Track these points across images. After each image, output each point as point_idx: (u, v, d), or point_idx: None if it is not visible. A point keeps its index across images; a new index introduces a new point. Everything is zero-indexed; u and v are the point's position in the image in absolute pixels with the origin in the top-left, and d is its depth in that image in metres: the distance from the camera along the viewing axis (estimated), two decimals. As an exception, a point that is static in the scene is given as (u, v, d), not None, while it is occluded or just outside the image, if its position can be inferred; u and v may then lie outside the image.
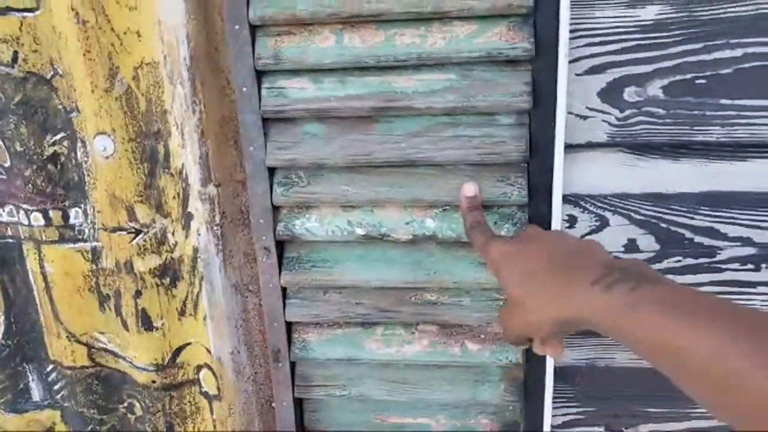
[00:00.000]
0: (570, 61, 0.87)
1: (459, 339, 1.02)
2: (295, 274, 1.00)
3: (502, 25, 0.84)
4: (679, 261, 0.96)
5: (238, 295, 1.11)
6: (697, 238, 0.94)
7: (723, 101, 0.87)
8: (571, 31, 0.86)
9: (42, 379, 1.24)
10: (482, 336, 1.01)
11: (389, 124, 0.91)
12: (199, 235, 1.06)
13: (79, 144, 1.03)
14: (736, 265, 0.95)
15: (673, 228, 0.94)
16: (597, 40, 0.86)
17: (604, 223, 0.96)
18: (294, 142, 0.93)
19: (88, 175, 1.04)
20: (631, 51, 0.86)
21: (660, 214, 0.94)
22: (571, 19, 0.85)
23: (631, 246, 0.96)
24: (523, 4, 0.81)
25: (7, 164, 1.05)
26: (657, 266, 0.97)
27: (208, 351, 1.15)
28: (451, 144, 0.89)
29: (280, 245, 1.00)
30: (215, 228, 1.05)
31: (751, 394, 0.46)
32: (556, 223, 0.92)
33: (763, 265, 0.95)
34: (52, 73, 0.99)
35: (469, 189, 0.88)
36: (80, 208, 1.07)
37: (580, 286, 0.61)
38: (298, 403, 1.11)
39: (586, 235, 0.97)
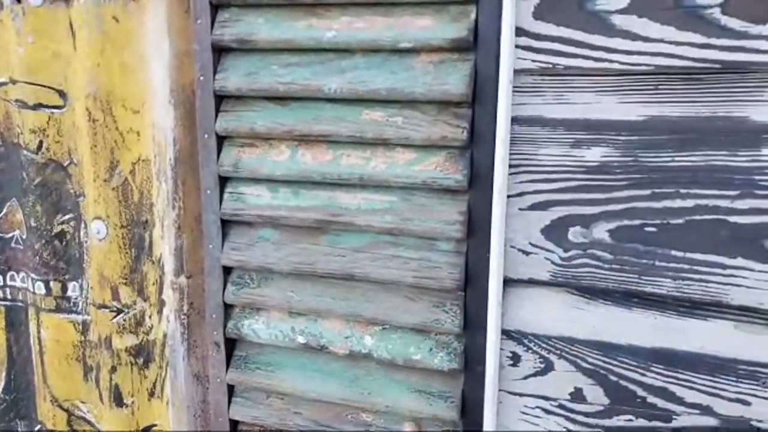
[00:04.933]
0: (512, 195, 0.86)
1: (392, 467, 0.97)
2: (239, 372, 1.01)
3: (441, 155, 0.85)
4: (631, 420, 0.87)
5: (200, 385, 1.14)
6: (650, 398, 0.85)
7: (674, 253, 0.81)
8: (513, 166, 0.85)
9: (29, 437, 1.32)
10: (416, 468, 0.96)
11: (336, 237, 0.94)
12: (168, 321, 1.12)
13: (82, 225, 1.15)
14: (696, 436, 0.84)
15: (623, 382, 0.86)
16: (540, 177, 0.85)
17: (548, 367, 0.89)
18: (248, 245, 0.97)
19: (86, 254, 1.15)
20: (575, 191, 0.84)
21: (609, 365, 0.87)
22: (513, 154, 0.85)
23: (578, 395, 0.89)
24: (457, 137, 0.83)
25: (24, 236, 1.19)
26: (607, 423, 0.88)
27: (168, 436, 1.18)
28: (390, 263, 0.90)
29: (232, 342, 1.03)
30: (182, 317, 1.11)
31: None
32: (493, 357, 0.88)
33: (728, 441, 0.83)
34: (68, 161, 1.13)
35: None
36: (77, 282, 1.18)
37: None
38: (237, 507, 1.10)
39: (531, 376, 0.91)
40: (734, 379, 0.82)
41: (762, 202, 0.77)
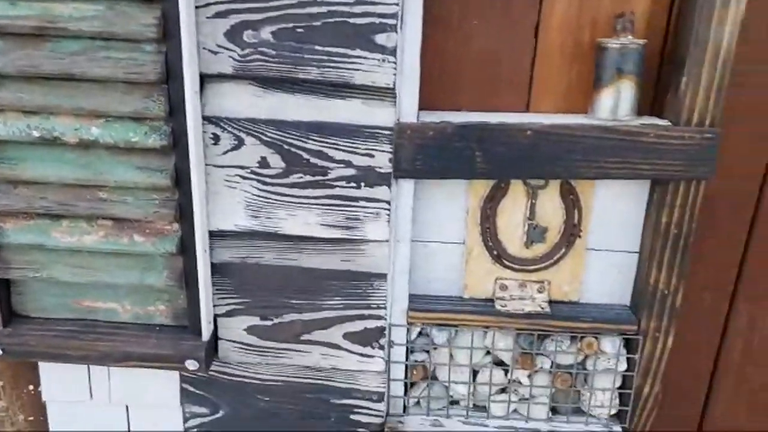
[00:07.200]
0: (200, 6, 1.09)
1: (129, 232, 1.23)
2: (-15, 167, 1.19)
3: (134, -32, 1.05)
4: (302, 177, 1.20)
5: (-47, 188, 1.29)
6: (312, 159, 1.19)
7: (317, 47, 1.11)
8: (198, -20, 1.08)
9: None
10: (147, 230, 1.23)
11: (57, 43, 1.11)
12: None
13: None
14: (342, 183, 1.20)
15: (293, 150, 1.18)
16: (220, -11, 1.09)
17: (241, 143, 1.19)
18: (-24, 53, 1.11)
19: None
20: (245, 1, 1.09)
21: (283, 138, 1.18)
22: (195, -31, 1.07)
23: (264, 163, 1.20)
24: (143, -49, 1.02)
25: None
26: (286, 181, 1.21)
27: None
28: (105, 63, 1.10)
29: (-25, 143, 1.19)
30: (-75, 126, 1.22)
31: None
32: (196, 138, 1.15)
33: (362, 183, 1.20)
34: None
35: None
36: None
37: None
38: (5, 285, 1.31)
39: (229, 151, 1.19)
40: (363, 139, 1.17)
41: (370, 8, 1.08)
